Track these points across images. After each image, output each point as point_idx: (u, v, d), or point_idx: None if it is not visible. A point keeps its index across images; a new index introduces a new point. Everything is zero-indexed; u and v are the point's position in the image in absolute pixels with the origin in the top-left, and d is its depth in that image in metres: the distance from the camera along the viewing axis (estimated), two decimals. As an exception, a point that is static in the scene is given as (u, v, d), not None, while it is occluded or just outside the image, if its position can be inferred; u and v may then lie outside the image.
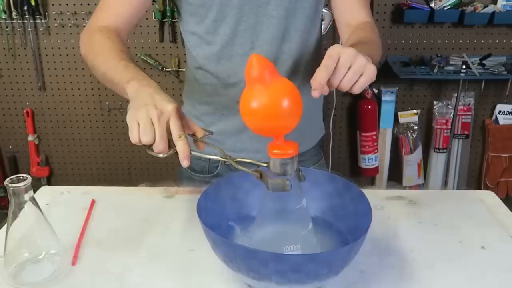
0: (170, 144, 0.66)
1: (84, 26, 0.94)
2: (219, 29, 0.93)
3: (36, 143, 2.43)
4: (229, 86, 0.98)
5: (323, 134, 1.15)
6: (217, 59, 0.96)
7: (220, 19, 0.92)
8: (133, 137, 0.65)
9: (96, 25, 0.91)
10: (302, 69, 0.99)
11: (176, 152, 0.65)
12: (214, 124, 1.02)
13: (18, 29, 2.20)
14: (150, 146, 0.66)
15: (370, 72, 0.70)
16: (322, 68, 0.69)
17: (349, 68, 0.69)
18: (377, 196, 0.93)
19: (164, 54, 2.27)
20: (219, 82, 0.99)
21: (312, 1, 0.94)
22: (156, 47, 2.25)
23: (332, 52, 0.69)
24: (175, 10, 1.00)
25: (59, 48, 2.26)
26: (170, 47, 2.26)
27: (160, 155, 0.66)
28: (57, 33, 2.23)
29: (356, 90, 0.71)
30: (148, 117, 0.65)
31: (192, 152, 0.65)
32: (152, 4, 2.11)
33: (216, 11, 0.91)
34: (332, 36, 2.19)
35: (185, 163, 0.64)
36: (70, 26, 2.21)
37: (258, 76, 0.59)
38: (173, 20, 2.18)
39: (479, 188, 2.46)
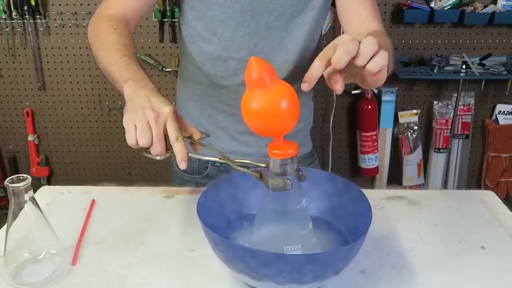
0: (167, 146, 0.66)
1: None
2: (218, 29, 0.93)
3: (36, 143, 2.43)
4: (220, 87, 0.98)
5: (311, 147, 1.15)
6: (212, 59, 0.96)
7: (220, 20, 0.92)
8: (130, 140, 0.65)
9: (105, 13, 0.89)
10: (297, 82, 0.99)
11: (174, 154, 0.65)
12: (202, 125, 1.02)
13: (18, 29, 2.20)
14: (147, 149, 0.66)
15: (383, 54, 0.57)
16: (319, 56, 0.58)
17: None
18: (377, 196, 0.93)
19: (164, 54, 2.27)
20: (211, 82, 0.99)
21: (313, 16, 0.94)
22: (156, 47, 2.25)
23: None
24: (176, 6, 0.99)
25: (59, 48, 2.26)
26: (170, 47, 2.25)
27: (158, 158, 0.65)
28: (57, 33, 2.23)
29: (371, 67, 0.57)
30: (145, 119, 0.64)
31: (190, 154, 0.65)
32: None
33: (218, 11, 0.91)
34: (332, 36, 2.19)
35: (182, 165, 0.64)
36: (70, 26, 2.20)
37: (257, 78, 0.59)
38: (173, 20, 2.18)
39: (479, 188, 2.45)
